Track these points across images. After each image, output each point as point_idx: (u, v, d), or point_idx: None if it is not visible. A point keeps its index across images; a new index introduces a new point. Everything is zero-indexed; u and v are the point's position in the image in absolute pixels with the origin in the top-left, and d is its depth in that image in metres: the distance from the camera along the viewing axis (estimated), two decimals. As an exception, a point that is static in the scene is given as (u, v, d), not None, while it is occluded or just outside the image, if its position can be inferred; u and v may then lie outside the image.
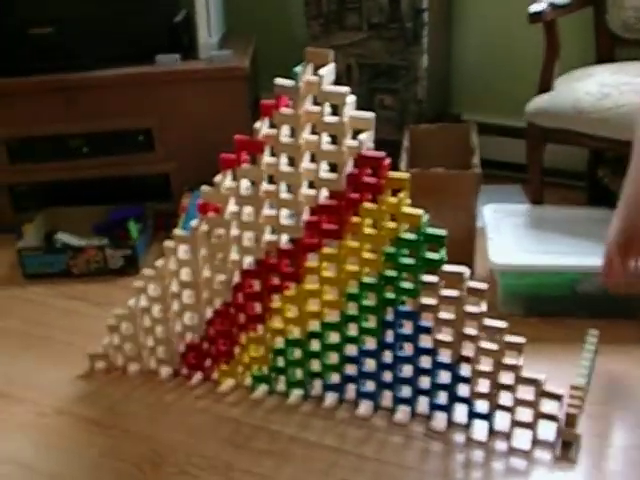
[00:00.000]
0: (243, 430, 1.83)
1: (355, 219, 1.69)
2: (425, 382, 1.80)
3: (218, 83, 2.68)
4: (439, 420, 1.81)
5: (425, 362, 1.78)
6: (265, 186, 1.74)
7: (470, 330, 1.69)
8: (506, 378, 1.69)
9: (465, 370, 1.73)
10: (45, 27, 2.64)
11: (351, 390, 1.89)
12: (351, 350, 1.85)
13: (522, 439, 1.73)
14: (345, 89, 1.61)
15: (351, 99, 1.63)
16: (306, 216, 1.73)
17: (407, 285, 1.71)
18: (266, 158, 1.71)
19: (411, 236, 1.66)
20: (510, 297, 2.18)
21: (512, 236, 2.28)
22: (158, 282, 1.92)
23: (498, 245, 2.22)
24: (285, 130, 1.69)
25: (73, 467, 1.76)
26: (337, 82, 1.65)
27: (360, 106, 1.67)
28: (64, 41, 2.65)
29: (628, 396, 1.87)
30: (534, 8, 2.35)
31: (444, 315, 1.70)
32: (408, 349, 1.80)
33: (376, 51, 2.69)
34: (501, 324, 1.66)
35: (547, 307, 2.17)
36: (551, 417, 1.70)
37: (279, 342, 1.90)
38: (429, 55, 2.66)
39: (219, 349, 1.95)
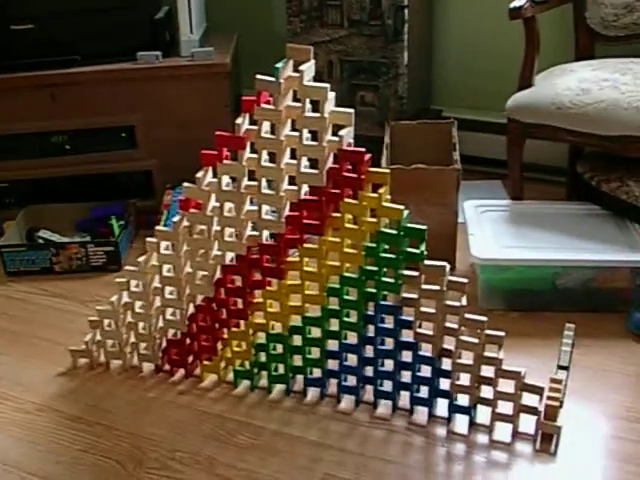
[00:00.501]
0: (226, 425, 1.83)
1: (336, 214, 1.70)
2: (406, 376, 1.82)
3: (200, 80, 2.68)
4: (420, 414, 1.83)
5: (406, 356, 1.79)
6: (246, 182, 1.74)
7: (451, 324, 1.70)
8: (487, 371, 1.71)
9: (446, 364, 1.75)
10: (27, 23, 2.62)
11: (333, 385, 1.90)
12: (333, 345, 1.86)
13: (503, 432, 1.74)
14: (325, 85, 1.62)
15: (331, 95, 1.63)
16: (287, 211, 1.74)
17: (388, 280, 1.72)
18: (247, 154, 1.72)
19: (391, 231, 1.67)
20: (491, 292, 2.20)
21: (492, 231, 2.29)
22: (140, 278, 1.93)
23: (479, 240, 2.23)
24: (266, 126, 1.69)
25: (55, 464, 1.75)
26: (318, 79, 1.66)
27: (341, 102, 1.67)
28: (46, 37, 2.64)
29: (607, 388, 1.89)
30: (514, 4, 2.37)
31: (425, 309, 1.71)
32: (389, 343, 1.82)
33: (357, 48, 2.70)
34: (481, 318, 1.68)
35: (527, 301, 2.19)
36: (532, 410, 1.71)
37: (261, 337, 1.90)
38: (410, 52, 2.67)
39: (201, 345, 1.96)
